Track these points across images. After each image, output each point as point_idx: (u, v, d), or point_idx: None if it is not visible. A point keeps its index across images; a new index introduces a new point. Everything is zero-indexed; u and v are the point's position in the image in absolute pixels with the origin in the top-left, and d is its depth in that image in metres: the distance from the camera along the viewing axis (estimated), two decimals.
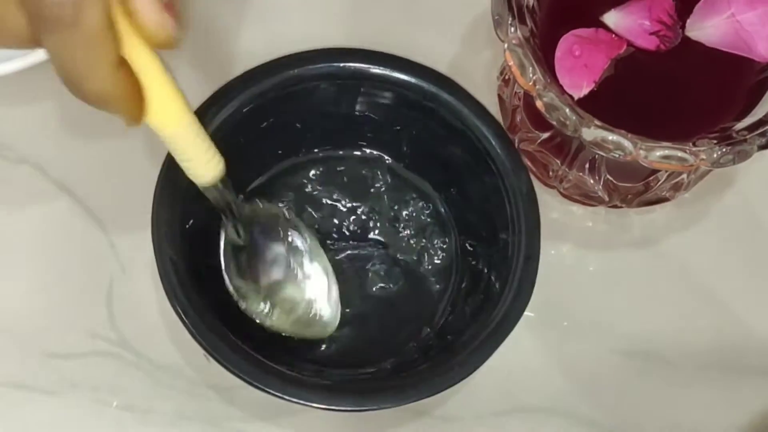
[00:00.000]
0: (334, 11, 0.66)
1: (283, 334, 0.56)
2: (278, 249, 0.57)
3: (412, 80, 0.56)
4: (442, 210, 0.60)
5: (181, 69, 0.61)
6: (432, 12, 0.66)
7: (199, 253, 0.54)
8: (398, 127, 0.58)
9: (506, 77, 0.60)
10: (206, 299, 0.51)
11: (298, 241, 0.58)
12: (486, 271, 0.56)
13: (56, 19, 0.40)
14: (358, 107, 0.58)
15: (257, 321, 0.55)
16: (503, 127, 0.55)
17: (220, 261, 0.55)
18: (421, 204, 0.60)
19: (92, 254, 0.59)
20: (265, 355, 0.51)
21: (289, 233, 0.58)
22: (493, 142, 0.55)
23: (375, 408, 0.51)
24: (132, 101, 0.44)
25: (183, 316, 0.50)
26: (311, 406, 0.49)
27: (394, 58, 0.56)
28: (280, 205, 0.59)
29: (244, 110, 0.55)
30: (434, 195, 0.60)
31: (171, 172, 0.52)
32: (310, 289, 0.57)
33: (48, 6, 0.39)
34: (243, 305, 0.55)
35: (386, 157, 0.60)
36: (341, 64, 0.56)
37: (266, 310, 0.56)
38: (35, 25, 0.40)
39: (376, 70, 0.56)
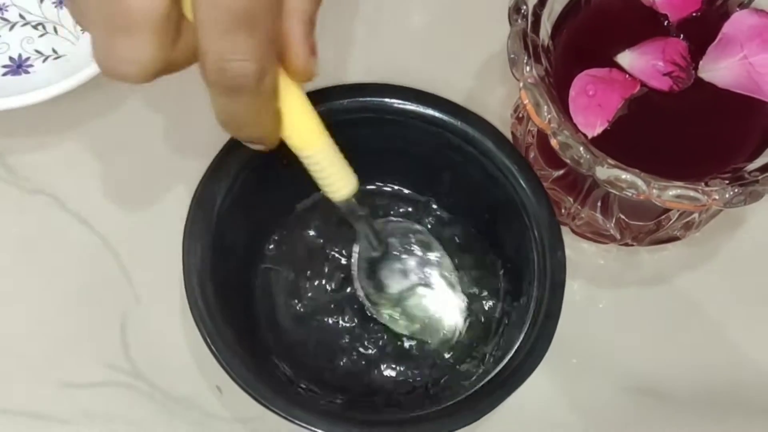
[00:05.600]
0: (350, 46, 0.67)
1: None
2: (409, 260, 0.59)
3: (457, 123, 0.56)
4: (478, 253, 0.60)
5: None
6: (447, 50, 0.67)
7: (229, 276, 0.55)
8: (439, 169, 0.59)
9: (520, 115, 0.61)
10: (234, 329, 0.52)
11: (428, 253, 0.59)
12: (506, 322, 0.56)
13: (239, 88, 0.42)
14: (400, 144, 0.58)
15: (387, 325, 0.57)
16: (541, 183, 0.55)
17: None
18: (453, 244, 0.60)
19: (107, 285, 0.60)
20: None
21: (419, 246, 0.59)
22: (531, 197, 0.55)
23: None
24: (277, 134, 0.47)
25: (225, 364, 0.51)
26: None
27: (442, 100, 0.57)
28: (312, 233, 0.60)
29: None
30: (468, 238, 0.61)
31: (205, 194, 0.54)
32: (437, 298, 0.58)
33: (233, 77, 0.41)
34: (372, 311, 0.57)
35: (423, 196, 0.61)
36: (390, 100, 0.57)
37: (396, 316, 0.57)
38: (212, 86, 0.42)
39: (425, 110, 0.56)
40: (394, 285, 0.58)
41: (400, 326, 0.57)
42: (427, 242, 0.59)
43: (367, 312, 0.57)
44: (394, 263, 0.58)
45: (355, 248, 0.57)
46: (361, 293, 0.57)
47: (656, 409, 0.59)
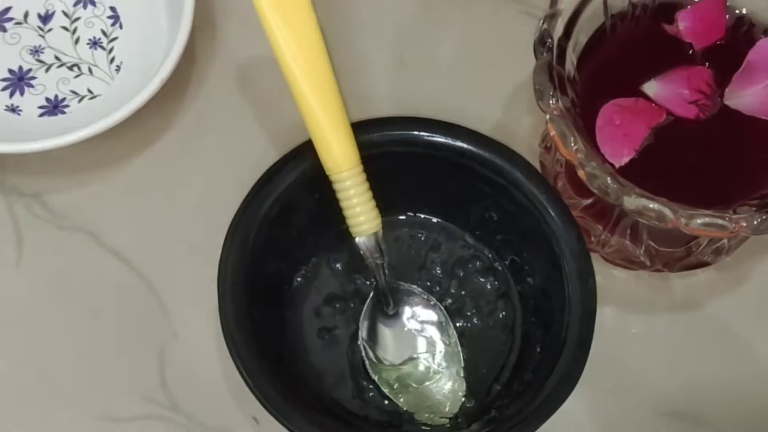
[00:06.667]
0: (379, 76, 0.68)
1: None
2: (417, 332, 0.59)
3: (486, 155, 0.56)
4: (505, 283, 0.61)
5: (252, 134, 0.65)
6: (474, 80, 0.68)
7: (262, 308, 0.56)
8: (468, 199, 0.59)
9: (548, 144, 0.61)
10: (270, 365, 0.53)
11: (433, 320, 0.59)
12: (538, 350, 0.56)
13: None
14: (429, 175, 0.59)
15: (388, 395, 0.57)
16: (570, 212, 0.55)
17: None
18: (484, 274, 0.61)
19: (145, 319, 0.61)
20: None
21: (425, 311, 0.59)
22: (560, 226, 0.55)
23: None
24: None
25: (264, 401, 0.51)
26: None
27: (470, 131, 0.57)
28: (338, 265, 0.60)
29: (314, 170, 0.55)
30: (498, 267, 0.61)
31: (239, 231, 0.55)
32: (435, 377, 0.58)
33: None
34: (370, 369, 0.57)
35: (452, 226, 0.62)
36: (421, 134, 0.57)
37: (396, 386, 0.57)
38: None
39: (453, 142, 0.57)
40: (394, 350, 0.58)
41: (392, 392, 0.57)
42: (442, 323, 0.59)
43: (366, 367, 0.57)
44: (401, 330, 0.58)
45: (366, 308, 0.58)
46: (361, 343, 0.58)
47: None
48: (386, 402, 0.57)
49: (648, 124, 0.54)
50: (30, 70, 0.66)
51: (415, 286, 0.59)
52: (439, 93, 0.67)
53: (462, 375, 0.58)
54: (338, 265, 0.60)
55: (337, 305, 0.59)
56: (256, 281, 0.55)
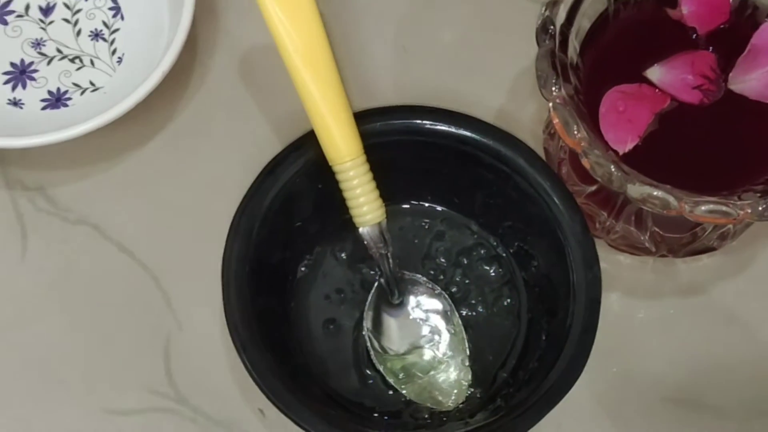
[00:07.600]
0: (381, 65, 0.68)
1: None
2: (422, 321, 0.59)
3: (489, 142, 0.56)
4: (510, 271, 0.60)
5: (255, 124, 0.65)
6: (477, 67, 0.67)
7: (266, 300, 0.56)
8: (472, 187, 0.59)
9: (551, 131, 0.61)
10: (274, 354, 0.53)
11: (438, 309, 0.59)
12: (544, 337, 0.56)
13: None
14: (432, 164, 0.59)
15: (393, 385, 0.57)
16: (574, 199, 0.55)
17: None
18: (488, 262, 0.61)
19: (150, 311, 0.61)
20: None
21: (429, 300, 0.59)
22: (564, 213, 0.55)
23: None
24: None
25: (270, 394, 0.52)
26: None
27: (473, 119, 0.57)
28: (343, 255, 0.60)
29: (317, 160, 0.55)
30: (503, 255, 0.61)
31: (243, 222, 0.55)
32: (444, 360, 0.58)
33: None
34: (375, 359, 0.57)
35: (457, 214, 0.61)
36: (423, 122, 0.57)
37: (401, 376, 0.57)
38: None
39: (456, 130, 0.57)
40: (399, 340, 0.58)
41: (398, 382, 0.57)
42: (447, 312, 0.59)
43: (371, 357, 0.57)
44: (405, 319, 0.58)
45: (370, 298, 0.58)
46: (366, 333, 0.58)
47: (695, 418, 0.59)
48: (390, 392, 0.57)
49: (652, 110, 0.54)
50: (32, 63, 0.66)
51: (419, 275, 0.59)
52: (442, 81, 0.67)
53: (467, 364, 0.57)
54: (343, 255, 0.60)
55: (342, 295, 0.59)
56: (261, 272, 0.55)
